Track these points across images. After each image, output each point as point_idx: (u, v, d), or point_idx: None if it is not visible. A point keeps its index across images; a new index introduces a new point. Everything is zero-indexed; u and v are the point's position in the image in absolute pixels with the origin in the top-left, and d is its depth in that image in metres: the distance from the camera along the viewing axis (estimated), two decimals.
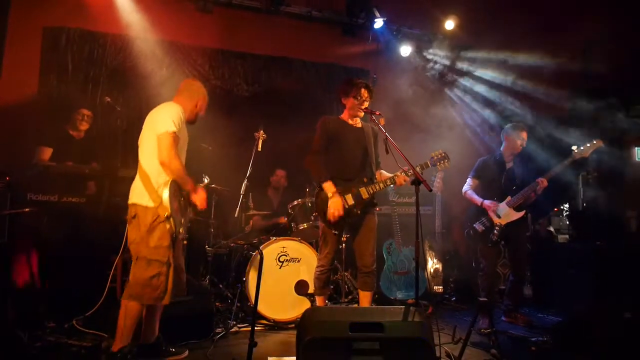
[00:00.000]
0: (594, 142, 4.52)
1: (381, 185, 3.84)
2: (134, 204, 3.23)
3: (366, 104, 3.89)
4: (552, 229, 6.32)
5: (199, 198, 3.39)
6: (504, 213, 4.57)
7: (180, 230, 3.29)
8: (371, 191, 3.82)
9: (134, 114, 5.42)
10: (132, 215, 3.22)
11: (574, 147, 4.56)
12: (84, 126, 4.96)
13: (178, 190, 3.28)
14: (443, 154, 3.91)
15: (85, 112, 4.97)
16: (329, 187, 3.76)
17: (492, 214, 4.59)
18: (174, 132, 3.19)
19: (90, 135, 5.12)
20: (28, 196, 4.07)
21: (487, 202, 4.60)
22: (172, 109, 3.32)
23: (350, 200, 3.78)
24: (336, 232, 3.86)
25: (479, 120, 6.87)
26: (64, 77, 5.33)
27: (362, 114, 3.91)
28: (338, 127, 3.93)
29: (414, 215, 3.32)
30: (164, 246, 3.18)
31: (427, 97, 6.62)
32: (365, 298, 3.93)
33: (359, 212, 3.82)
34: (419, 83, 6.79)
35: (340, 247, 5.07)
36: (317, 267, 3.98)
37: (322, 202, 3.82)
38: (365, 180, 3.86)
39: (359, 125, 4.02)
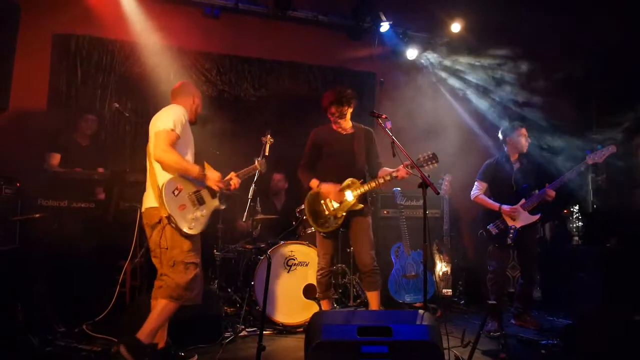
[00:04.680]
0: (608, 148, 4.44)
1: (366, 187, 3.91)
2: (153, 207, 3.24)
3: (340, 120, 4.02)
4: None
5: (212, 181, 3.36)
6: (520, 216, 4.54)
7: (189, 227, 3.21)
8: (357, 193, 3.93)
9: (142, 120, 5.47)
10: (156, 221, 3.22)
11: (588, 155, 4.49)
12: (90, 131, 5.01)
13: (185, 187, 3.25)
14: (431, 155, 3.78)
15: (90, 117, 5.02)
16: (313, 183, 4.04)
17: (507, 217, 4.56)
18: (171, 129, 3.19)
19: (97, 142, 5.16)
20: (38, 202, 4.12)
21: (505, 207, 4.54)
22: (174, 109, 3.35)
23: (335, 204, 3.95)
24: (324, 234, 4.01)
25: (485, 123, 6.85)
26: (73, 83, 5.39)
27: (345, 124, 4.06)
28: (326, 137, 4.12)
29: (421, 219, 3.32)
30: (194, 249, 3.25)
31: (433, 100, 6.61)
32: (372, 298, 3.97)
33: (343, 213, 3.93)
34: (425, 86, 6.78)
35: (348, 250, 5.08)
36: (317, 270, 4.09)
37: (309, 205, 4.06)
38: (349, 183, 3.95)
39: (350, 131, 4.12)
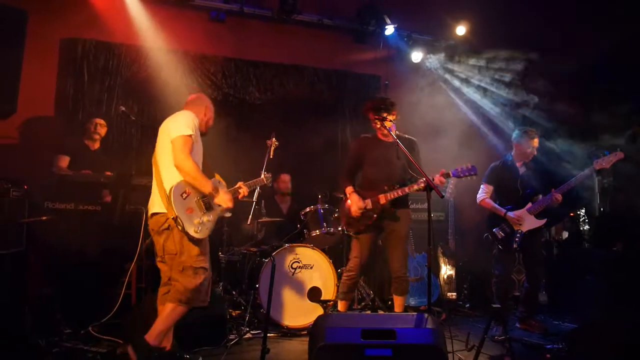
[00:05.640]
0: (615, 154, 4.39)
1: (399, 191, 3.99)
2: (160, 213, 3.25)
3: (379, 126, 4.05)
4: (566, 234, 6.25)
5: (222, 200, 3.36)
6: (526, 220, 4.53)
7: (195, 231, 3.22)
8: (390, 197, 3.99)
9: (149, 123, 5.50)
10: (164, 227, 3.24)
11: (595, 160, 4.44)
12: (98, 135, 5.03)
13: (193, 191, 3.27)
14: (470, 167, 3.89)
15: (98, 121, 5.04)
16: (348, 189, 4.16)
17: (513, 222, 4.54)
18: (189, 135, 3.22)
19: (106, 146, 5.18)
20: (45, 204, 4.14)
21: (510, 214, 4.53)
22: (186, 115, 3.38)
23: (368, 204, 4.05)
24: (356, 236, 4.14)
25: (490, 125, 6.85)
26: (79, 87, 5.42)
27: (386, 131, 4.05)
28: (367, 145, 4.26)
29: (426, 222, 3.33)
30: (203, 253, 3.28)
31: (438, 102, 6.61)
32: (397, 301, 4.15)
33: (375, 215, 4.03)
34: (429, 88, 6.78)
35: None
36: (345, 271, 4.22)
37: (342, 208, 4.21)
38: (385, 188, 4.03)
39: (393, 140, 4.12)
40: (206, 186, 3.28)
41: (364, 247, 4.13)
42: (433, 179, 3.86)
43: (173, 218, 3.14)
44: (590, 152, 5.67)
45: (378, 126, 4.08)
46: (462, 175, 3.88)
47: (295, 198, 6.04)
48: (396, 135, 4.14)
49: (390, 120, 4.00)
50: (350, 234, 4.20)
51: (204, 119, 3.57)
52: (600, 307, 4.89)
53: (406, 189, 3.97)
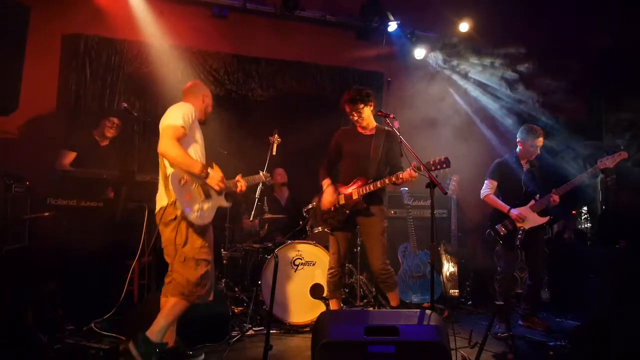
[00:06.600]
0: (619, 153, 4.37)
1: (371, 186, 3.88)
2: (167, 205, 3.23)
3: (356, 118, 4.03)
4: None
5: (213, 180, 3.32)
6: (529, 218, 4.52)
7: (194, 216, 3.20)
8: (362, 192, 3.91)
9: (151, 119, 5.50)
10: (171, 218, 3.23)
11: (599, 160, 4.43)
12: (111, 133, 5.02)
13: (191, 179, 3.26)
14: (442, 159, 3.65)
15: (115, 120, 5.03)
16: (325, 182, 4.12)
17: (517, 219, 4.53)
18: (179, 125, 3.20)
19: (115, 144, 5.18)
20: (47, 201, 4.14)
21: (514, 211, 4.50)
22: (182, 106, 3.37)
23: (341, 200, 4.01)
24: (329, 231, 4.12)
25: (492, 123, 6.83)
26: (82, 83, 5.41)
27: (364, 124, 4.06)
28: (346, 137, 4.17)
29: (429, 219, 3.31)
30: (206, 246, 3.29)
31: (441, 100, 6.59)
32: (391, 297, 4.10)
33: (347, 212, 3.98)
34: (432, 85, 6.76)
35: (355, 250, 5.07)
36: (328, 270, 4.16)
37: (319, 201, 4.18)
38: (360, 183, 3.96)
39: (370, 132, 4.11)
40: (195, 167, 3.24)
41: (341, 244, 4.06)
42: (402, 173, 3.75)
43: (172, 202, 3.14)
44: (593, 151, 5.66)
45: (355, 118, 4.04)
46: (433, 168, 3.64)
47: (291, 191, 6.05)
48: (376, 127, 4.12)
49: (356, 113, 3.97)
50: (327, 230, 4.15)
51: (202, 106, 3.55)
52: (602, 305, 4.89)
53: (378, 183, 3.86)
